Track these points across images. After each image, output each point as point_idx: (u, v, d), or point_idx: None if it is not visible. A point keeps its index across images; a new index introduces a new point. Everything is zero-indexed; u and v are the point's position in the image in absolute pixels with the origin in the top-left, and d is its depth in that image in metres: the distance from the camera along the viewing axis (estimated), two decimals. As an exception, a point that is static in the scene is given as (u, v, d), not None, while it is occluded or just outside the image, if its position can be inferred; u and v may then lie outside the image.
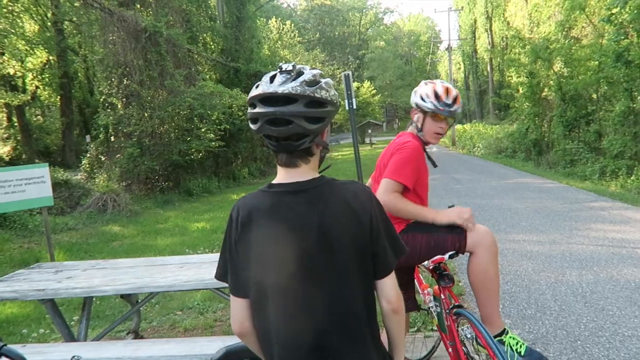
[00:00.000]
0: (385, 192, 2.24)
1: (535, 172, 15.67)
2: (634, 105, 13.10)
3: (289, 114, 1.25)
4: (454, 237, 2.28)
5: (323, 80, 1.34)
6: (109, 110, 14.90)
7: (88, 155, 15.24)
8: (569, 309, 4.12)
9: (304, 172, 1.35)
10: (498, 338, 2.18)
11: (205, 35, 22.12)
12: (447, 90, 2.42)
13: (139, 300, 3.79)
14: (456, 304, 2.42)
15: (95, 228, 10.08)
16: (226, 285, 2.88)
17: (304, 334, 1.29)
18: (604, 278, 4.84)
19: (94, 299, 3.62)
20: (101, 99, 15.27)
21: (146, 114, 14.80)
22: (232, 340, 1.77)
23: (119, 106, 14.83)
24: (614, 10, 12.96)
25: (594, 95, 16.20)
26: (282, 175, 1.36)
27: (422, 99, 2.44)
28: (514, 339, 2.18)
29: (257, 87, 1.32)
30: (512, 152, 21.66)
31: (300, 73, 1.31)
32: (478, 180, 13.71)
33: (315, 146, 1.36)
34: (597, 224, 7.30)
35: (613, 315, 3.94)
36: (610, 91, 14.84)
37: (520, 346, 2.13)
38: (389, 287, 1.37)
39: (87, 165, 14.98)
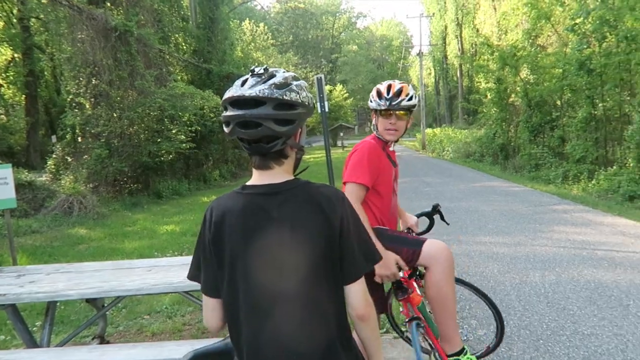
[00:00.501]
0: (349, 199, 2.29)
1: (501, 175, 16.07)
2: (595, 112, 13.60)
3: (257, 116, 1.26)
4: (409, 249, 2.30)
5: (295, 83, 1.34)
6: (76, 110, 14.52)
7: (54, 156, 14.81)
8: (532, 308, 4.25)
9: (278, 175, 1.35)
10: (455, 357, 2.21)
11: (177, 35, 21.85)
12: (388, 87, 2.51)
13: (105, 305, 3.71)
14: (415, 315, 2.43)
15: (61, 231, 9.80)
16: (196, 289, 2.86)
17: (272, 338, 1.29)
18: (566, 279, 5.01)
19: (57, 303, 3.54)
20: (68, 99, 14.88)
21: (115, 115, 14.48)
22: (201, 344, 1.76)
23: (87, 106, 14.47)
24: (577, 20, 13.45)
25: (558, 102, 16.74)
26: (256, 177, 1.36)
27: (370, 100, 2.58)
28: (471, 359, 2.21)
29: (229, 90, 1.32)
30: (480, 156, 22.16)
31: (271, 76, 1.31)
32: (447, 183, 13.96)
33: (289, 148, 1.37)
34: (560, 226, 7.54)
35: (574, 314, 4.08)
36: (574, 98, 15.37)
37: None
38: (354, 294, 1.35)
39: (53, 166, 14.56)
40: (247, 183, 1.37)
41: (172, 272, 3.22)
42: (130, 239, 8.81)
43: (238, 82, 1.32)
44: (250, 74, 1.33)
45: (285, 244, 1.29)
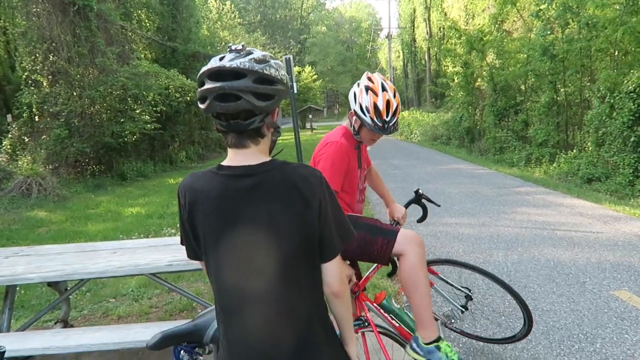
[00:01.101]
0: None
1: (467, 158, 16.40)
2: (557, 97, 13.98)
3: (237, 88, 1.22)
4: (383, 239, 2.31)
5: (272, 60, 1.32)
6: (32, 88, 13.89)
7: (10, 135, 14.16)
8: (495, 287, 4.36)
9: (254, 155, 1.32)
10: (435, 344, 2.21)
11: (140, 11, 21.09)
12: (387, 104, 2.28)
13: (68, 288, 3.61)
14: (360, 316, 2.41)
15: (19, 213, 9.45)
16: (163, 271, 2.80)
17: (249, 324, 1.29)
18: (527, 258, 5.18)
19: (17, 287, 3.41)
20: (24, 76, 14.21)
21: (75, 93, 13.95)
22: (168, 326, 1.73)
23: (45, 84, 13.87)
24: (542, 7, 13.70)
25: (523, 87, 17.11)
26: (232, 157, 1.32)
27: (362, 111, 2.31)
28: (449, 347, 2.22)
29: (206, 66, 1.28)
30: (447, 139, 22.54)
31: (250, 52, 1.29)
32: (414, 165, 14.15)
33: (266, 128, 1.34)
34: (522, 207, 7.78)
35: (534, 291, 4.23)
36: (537, 83, 15.73)
37: (454, 354, 2.19)
38: (330, 272, 1.37)
39: (9, 147, 13.94)
40: (223, 163, 1.33)
41: (138, 254, 3.15)
42: (93, 221, 8.58)
43: (216, 58, 1.28)
44: (228, 50, 1.30)
45: (262, 226, 1.27)
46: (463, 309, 2.97)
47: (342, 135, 2.40)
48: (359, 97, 2.34)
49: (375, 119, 2.28)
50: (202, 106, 1.26)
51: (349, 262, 2.47)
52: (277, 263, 1.28)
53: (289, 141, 26.76)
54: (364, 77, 2.42)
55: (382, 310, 2.49)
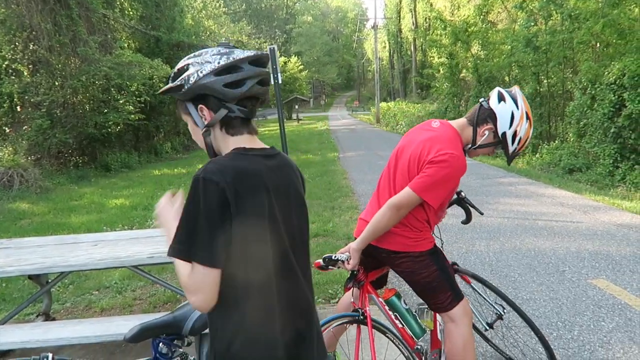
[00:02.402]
0: (398, 208, 2.04)
1: (452, 149, 16.49)
2: (540, 89, 14.13)
3: (268, 73, 1.30)
4: (452, 294, 2.18)
5: None
6: (13, 77, 13.62)
7: (-11, 126, 13.92)
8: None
9: (258, 140, 1.33)
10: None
11: (122, 0, 20.71)
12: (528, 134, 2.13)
13: (49, 281, 3.58)
14: (357, 307, 2.29)
15: (0, 205, 9.31)
16: (145, 263, 2.77)
17: (299, 289, 1.31)
18: (509, 247, 5.27)
19: (-3, 281, 3.38)
20: (3, 65, 13.92)
21: (57, 83, 13.72)
22: (150, 318, 1.73)
23: (25, 73, 13.63)
24: (526, -2, 13.80)
25: (507, 78, 17.26)
26: (247, 141, 1.28)
27: (514, 138, 2.09)
28: None
29: (225, 54, 1.24)
30: (432, 130, 22.65)
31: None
32: (400, 156, 14.18)
33: None
34: (505, 198, 7.88)
35: (515, 280, 4.31)
36: (521, 74, 15.89)
37: None
38: None
39: (-11, 138, 13.71)
40: (239, 146, 1.27)
41: (119, 246, 3.14)
42: (77, 213, 8.49)
43: (222, 49, 1.26)
44: (220, 45, 1.29)
45: (300, 201, 1.35)
46: (487, 327, 2.75)
47: (455, 147, 2.07)
48: (519, 123, 2.08)
49: (517, 147, 2.12)
50: (240, 89, 1.22)
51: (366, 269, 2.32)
52: (306, 239, 1.38)
53: (275, 132, 26.68)
54: (520, 97, 2.14)
55: (386, 307, 2.33)
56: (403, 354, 2.25)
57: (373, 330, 2.16)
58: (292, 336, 1.26)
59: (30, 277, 3.45)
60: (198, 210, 1.12)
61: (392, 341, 2.27)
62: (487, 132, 2.12)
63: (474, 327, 2.77)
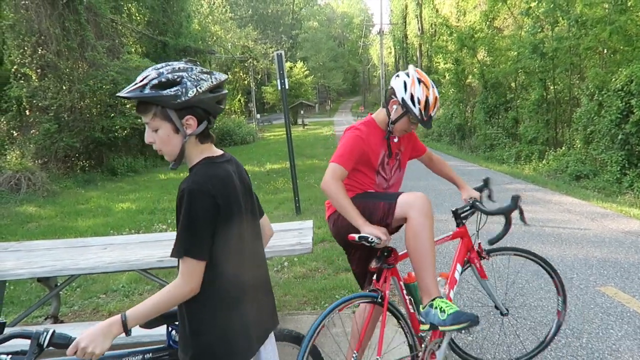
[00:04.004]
0: (331, 178, 2.29)
1: (458, 155, 16.50)
2: (547, 95, 14.11)
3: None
4: (385, 203, 2.26)
5: None
6: (22, 81, 13.74)
7: (-3, 129, 14.03)
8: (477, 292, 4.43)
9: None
10: (429, 302, 2.14)
11: (130, 5, 20.91)
12: (435, 100, 2.36)
13: (58, 284, 3.60)
14: (375, 288, 2.33)
15: (8, 209, 9.37)
16: (154, 266, 2.79)
17: (258, 280, 1.63)
18: (517, 263, 5.23)
19: (6, 283, 3.40)
20: (12, 69, 14.05)
21: (64, 87, 13.84)
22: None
23: (34, 77, 13.73)
24: (532, 4, 13.79)
25: (513, 84, 17.23)
26: (210, 150, 1.53)
27: (412, 101, 2.31)
28: (445, 302, 2.11)
29: (207, 73, 1.45)
30: (438, 136, 22.65)
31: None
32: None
33: None
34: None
35: (522, 287, 4.29)
36: (527, 81, 15.86)
37: (450, 308, 2.08)
38: (266, 220, 1.82)
39: (-3, 141, 13.81)
40: (206, 156, 1.50)
41: (128, 250, 3.15)
42: (83, 217, 8.53)
43: (204, 72, 1.46)
44: (193, 63, 1.49)
45: (253, 199, 1.65)
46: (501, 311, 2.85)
47: (362, 123, 2.47)
48: (411, 87, 2.32)
49: (423, 112, 2.32)
50: (222, 106, 1.50)
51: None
52: (258, 222, 1.68)
53: (281, 137, 26.70)
54: (412, 69, 2.42)
55: (404, 291, 2.39)
56: (407, 340, 2.32)
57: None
58: (257, 309, 1.58)
59: (39, 279, 3.48)
60: (197, 218, 1.37)
61: (402, 327, 2.33)
62: (394, 106, 2.37)
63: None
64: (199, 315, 1.47)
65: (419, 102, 2.30)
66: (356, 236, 2.18)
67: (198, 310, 1.46)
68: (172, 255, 1.40)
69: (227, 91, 1.52)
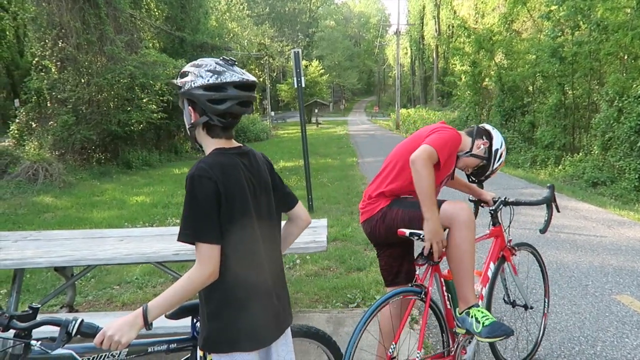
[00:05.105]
0: (428, 157, 2.19)
1: (472, 158, 16.34)
2: (565, 100, 13.93)
3: (254, 98, 1.59)
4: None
5: None
6: (42, 73, 13.95)
7: (17, 120, 14.24)
8: (497, 288, 4.39)
9: (234, 142, 1.63)
10: (465, 310, 2.21)
11: (149, 0, 21.06)
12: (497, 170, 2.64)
13: (74, 274, 3.65)
14: (419, 283, 2.39)
15: (25, 198, 9.52)
16: (169, 260, 2.82)
17: (272, 272, 1.64)
18: (530, 259, 5.18)
19: (24, 271, 3.45)
20: (33, 61, 14.26)
21: (83, 80, 14.00)
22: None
23: (53, 70, 13.93)
24: (552, 8, 13.62)
25: (530, 88, 17.05)
26: (225, 143, 1.58)
27: (498, 157, 2.58)
28: (481, 312, 2.18)
29: (217, 73, 1.48)
30: (453, 139, 22.47)
31: (235, 63, 1.56)
32: (419, 164, 14.09)
33: None
34: (527, 209, 7.74)
35: (535, 293, 4.24)
36: (545, 85, 15.69)
37: (487, 319, 2.14)
38: (301, 209, 1.83)
39: (16, 132, 14.02)
40: (217, 147, 1.56)
41: (145, 242, 3.19)
42: (98, 208, 8.64)
43: (222, 67, 1.50)
44: (227, 61, 1.53)
45: (268, 190, 1.67)
46: (510, 303, 3.05)
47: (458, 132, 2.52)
48: (503, 148, 2.61)
49: (492, 172, 2.61)
50: (220, 106, 1.49)
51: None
52: (273, 213, 1.68)
53: (295, 135, 26.73)
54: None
55: (444, 288, 2.46)
56: (442, 335, 2.44)
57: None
58: (272, 296, 1.62)
59: (56, 269, 3.53)
60: (197, 201, 1.43)
61: (439, 322, 2.42)
62: (482, 147, 2.56)
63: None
64: (212, 300, 1.53)
65: (500, 163, 2.60)
66: (407, 231, 2.26)
67: (211, 295, 1.52)
68: (178, 239, 1.45)
69: (230, 93, 1.49)
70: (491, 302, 2.82)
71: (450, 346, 2.43)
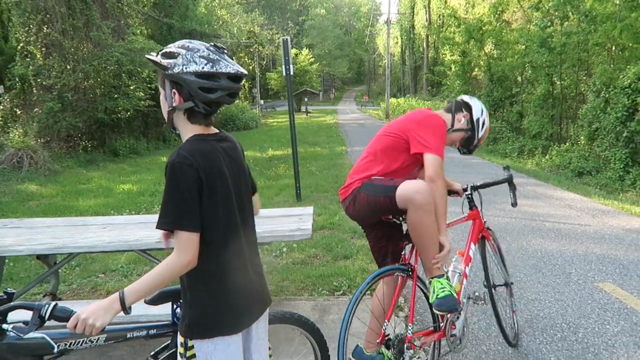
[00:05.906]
0: (441, 171, 2.28)
1: (461, 148, 16.43)
2: (553, 90, 14.01)
3: (240, 89, 1.59)
4: (385, 198, 2.27)
5: None
6: (27, 59, 13.69)
7: (1, 107, 13.98)
8: (482, 275, 4.43)
9: (213, 128, 1.63)
10: (434, 278, 2.28)
11: (136, -14, 20.73)
12: (485, 137, 2.69)
13: (57, 262, 3.61)
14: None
15: (9, 186, 9.39)
16: (153, 247, 2.80)
17: (251, 256, 1.64)
18: (515, 248, 5.24)
19: (6, 259, 3.41)
20: (18, 47, 13.99)
21: (69, 67, 13.78)
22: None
23: (38, 56, 13.68)
24: (542, -2, 13.64)
25: (519, 78, 17.12)
26: (202, 130, 1.56)
27: (481, 125, 2.62)
28: (440, 283, 2.24)
29: (211, 61, 1.46)
30: (442, 128, 22.57)
31: (226, 51, 1.55)
32: (408, 153, 14.14)
33: None
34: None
35: (520, 281, 4.29)
36: (534, 75, 15.75)
37: (443, 291, 2.20)
38: (257, 198, 1.83)
39: (0, 119, 13.78)
40: (199, 132, 1.54)
41: (128, 230, 3.15)
42: (84, 196, 8.55)
43: (221, 56, 1.50)
44: (219, 48, 1.53)
45: (245, 177, 1.68)
46: (492, 287, 3.14)
47: (441, 117, 2.54)
48: (485, 115, 2.65)
49: (479, 140, 2.64)
50: (211, 95, 1.47)
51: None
52: (249, 197, 1.70)
53: (284, 124, 26.63)
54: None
55: None
56: (432, 312, 2.48)
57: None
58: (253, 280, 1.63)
59: (38, 257, 3.48)
60: (178, 189, 1.41)
61: (427, 299, 2.43)
62: (463, 119, 2.61)
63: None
64: (195, 287, 1.52)
65: (484, 131, 2.63)
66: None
67: (193, 282, 1.52)
68: (157, 227, 1.43)
69: (222, 84, 1.47)
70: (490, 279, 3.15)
71: (440, 322, 2.49)
